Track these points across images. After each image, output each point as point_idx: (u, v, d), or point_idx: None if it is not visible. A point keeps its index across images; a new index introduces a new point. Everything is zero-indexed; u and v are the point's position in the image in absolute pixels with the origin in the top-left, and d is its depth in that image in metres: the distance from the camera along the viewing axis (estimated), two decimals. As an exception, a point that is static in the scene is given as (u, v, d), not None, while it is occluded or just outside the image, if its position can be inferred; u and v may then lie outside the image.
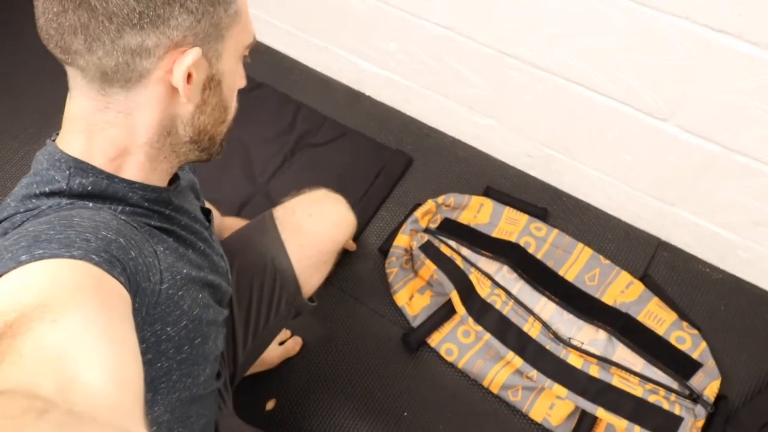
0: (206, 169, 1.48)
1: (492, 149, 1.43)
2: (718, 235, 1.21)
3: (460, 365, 1.20)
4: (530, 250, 1.30)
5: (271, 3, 1.49)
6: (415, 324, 1.25)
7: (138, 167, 0.59)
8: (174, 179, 0.68)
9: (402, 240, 1.31)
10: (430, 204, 1.34)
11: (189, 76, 0.55)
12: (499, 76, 1.22)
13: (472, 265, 1.28)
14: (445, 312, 1.24)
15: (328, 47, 1.50)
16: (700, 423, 1.08)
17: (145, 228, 0.58)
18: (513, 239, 1.31)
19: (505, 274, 1.28)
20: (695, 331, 1.18)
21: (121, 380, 0.36)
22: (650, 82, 1.01)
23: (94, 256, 0.44)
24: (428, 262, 1.25)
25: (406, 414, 1.17)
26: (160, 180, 0.63)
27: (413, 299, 1.28)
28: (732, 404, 1.12)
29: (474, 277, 1.25)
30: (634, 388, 1.11)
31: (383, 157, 1.45)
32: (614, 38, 0.99)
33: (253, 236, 0.96)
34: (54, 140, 0.59)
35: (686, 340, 1.17)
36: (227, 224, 1.12)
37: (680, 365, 1.14)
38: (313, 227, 0.97)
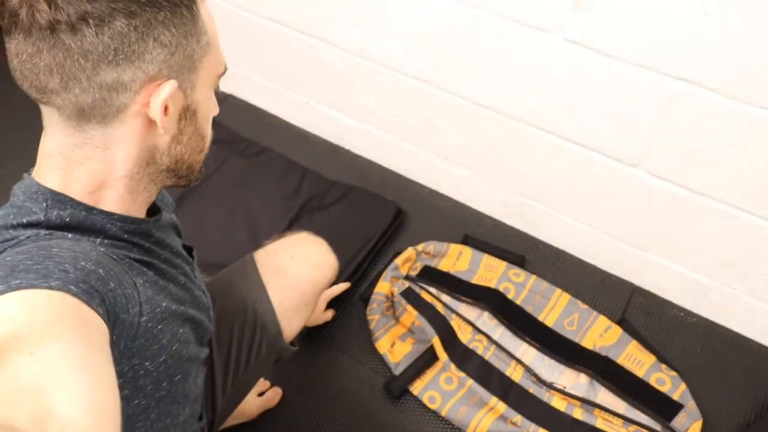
0: (210, 232, 1.46)
1: (468, 199, 1.47)
2: (689, 278, 1.25)
3: (443, 413, 1.19)
4: (510, 296, 1.32)
5: (251, 60, 1.55)
6: (397, 372, 1.24)
7: (117, 199, 0.59)
8: (155, 211, 0.68)
9: (383, 287, 1.31)
10: (410, 252, 1.36)
11: (166, 108, 0.56)
12: (474, 127, 1.27)
13: (453, 311, 1.28)
14: (427, 359, 1.23)
15: (309, 102, 1.55)
16: (685, 465, 1.08)
17: (125, 260, 0.58)
18: (492, 285, 1.33)
19: (485, 320, 1.28)
20: (674, 373, 1.19)
21: (98, 412, 0.36)
22: (619, 129, 1.07)
23: (72, 287, 0.44)
24: (410, 308, 1.26)
25: (388, 465, 1.14)
26: (139, 211, 0.63)
27: (395, 346, 1.27)
28: (715, 446, 1.13)
29: (455, 323, 1.26)
30: (618, 430, 1.11)
31: (383, 211, 1.46)
32: (584, 88, 1.05)
33: (234, 279, 0.96)
34: (30, 174, 0.59)
35: (666, 381, 1.18)
36: None
37: (662, 406, 1.15)
38: (294, 269, 0.96)
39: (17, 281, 0.43)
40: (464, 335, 1.24)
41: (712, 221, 1.11)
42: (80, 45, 0.50)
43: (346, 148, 1.59)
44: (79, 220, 0.57)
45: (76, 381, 0.37)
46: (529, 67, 1.09)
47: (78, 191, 0.57)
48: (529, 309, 1.31)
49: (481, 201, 1.45)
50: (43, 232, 0.54)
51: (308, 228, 1.40)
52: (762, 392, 1.20)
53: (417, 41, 1.19)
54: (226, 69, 0.64)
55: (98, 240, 0.57)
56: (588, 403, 1.14)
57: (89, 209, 0.57)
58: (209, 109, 0.63)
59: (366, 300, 1.32)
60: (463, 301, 1.31)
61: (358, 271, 1.37)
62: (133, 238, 0.61)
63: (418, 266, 1.37)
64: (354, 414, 1.19)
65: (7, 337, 0.38)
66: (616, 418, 1.13)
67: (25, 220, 0.55)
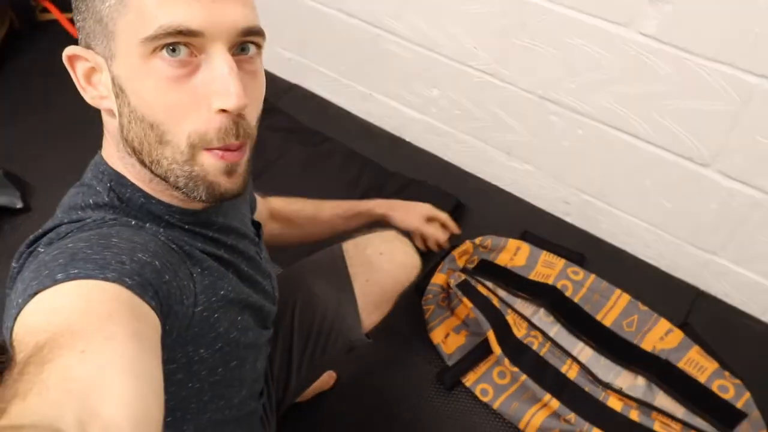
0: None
1: (529, 195, 1.46)
2: (759, 284, 1.20)
3: (495, 406, 1.19)
4: (567, 294, 1.30)
5: (317, 50, 1.58)
6: (450, 362, 1.24)
7: (167, 193, 0.58)
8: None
9: (439, 278, 1.32)
10: (467, 245, 1.36)
11: (87, 77, 0.54)
12: (539, 122, 1.26)
13: (509, 306, 1.28)
14: (481, 352, 1.23)
15: (372, 94, 1.57)
16: (746, 476, 1.05)
17: (185, 248, 0.58)
18: (550, 282, 1.31)
19: (541, 316, 1.27)
20: (738, 381, 1.15)
21: (141, 418, 0.36)
22: (692, 127, 1.04)
23: (127, 279, 0.44)
24: (465, 300, 1.26)
25: (437, 455, 1.15)
26: (198, 204, 0.60)
27: (449, 337, 1.28)
28: (778, 459, 1.09)
29: (510, 318, 1.25)
30: (676, 435, 1.08)
31: (442, 204, 1.46)
32: (656, 84, 1.03)
33: (322, 267, 0.98)
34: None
35: (729, 389, 1.15)
36: (275, 205, 1.09)
37: (723, 414, 1.11)
38: (382, 265, 0.97)
39: (75, 270, 0.44)
40: (519, 331, 1.24)
41: (788, 226, 1.07)
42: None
43: (407, 140, 1.60)
44: (138, 206, 0.57)
45: (124, 385, 0.37)
46: (599, 61, 1.07)
47: (136, 177, 0.58)
48: (586, 308, 1.29)
49: (542, 197, 1.43)
50: (109, 216, 0.55)
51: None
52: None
53: (485, 33, 1.19)
54: (162, 29, 0.48)
55: (161, 227, 0.57)
56: (645, 405, 1.12)
57: (148, 197, 0.58)
58: (141, 86, 0.50)
59: (422, 290, 1.33)
60: (519, 296, 1.30)
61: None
62: (195, 228, 0.61)
63: (475, 260, 1.37)
64: (405, 402, 1.20)
65: (60, 328, 0.39)
66: (674, 422, 1.10)
67: (91, 201, 0.57)
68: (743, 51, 0.91)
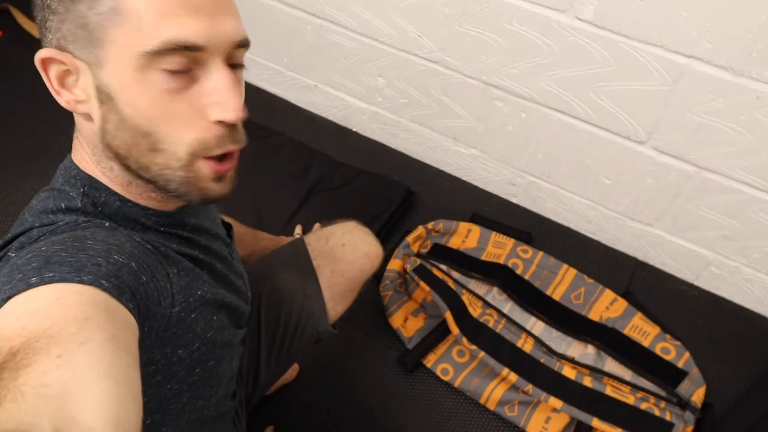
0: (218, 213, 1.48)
1: (476, 179, 1.50)
2: (692, 252, 1.29)
3: (456, 384, 1.22)
4: (518, 272, 1.36)
5: (260, 44, 1.56)
6: (410, 346, 1.27)
7: (146, 195, 0.58)
8: None
9: (395, 264, 1.35)
10: (420, 230, 1.39)
11: (60, 80, 0.52)
12: (484, 107, 1.30)
13: (464, 287, 1.32)
14: (440, 333, 1.27)
15: (317, 85, 1.57)
16: (690, 429, 1.13)
17: (161, 249, 0.57)
18: (501, 261, 1.36)
19: (495, 295, 1.32)
20: (678, 342, 1.24)
21: (119, 422, 0.36)
22: (628, 107, 1.10)
23: (103, 281, 0.44)
24: (422, 284, 1.29)
25: (406, 433, 1.17)
26: (172, 206, 0.61)
27: (408, 321, 1.31)
28: (717, 411, 1.18)
29: (466, 298, 1.29)
30: (626, 396, 1.15)
31: (393, 193, 1.48)
32: (594, 67, 1.08)
33: (286, 261, 0.98)
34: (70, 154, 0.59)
35: (671, 350, 1.23)
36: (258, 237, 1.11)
37: (667, 374, 1.20)
38: (345, 256, 0.98)
39: (50, 274, 0.43)
40: (475, 310, 1.28)
41: (717, 196, 1.15)
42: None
43: (355, 130, 1.61)
44: (113, 210, 0.57)
45: (101, 389, 0.37)
46: (540, 47, 1.11)
47: (113, 180, 0.57)
48: (537, 284, 1.35)
49: (489, 180, 1.48)
50: (81, 219, 0.54)
51: (319, 209, 1.44)
52: (761, 360, 1.25)
53: (429, 22, 1.21)
54: (168, 44, 0.48)
55: (135, 229, 0.57)
56: (597, 372, 1.19)
57: (123, 201, 0.57)
58: (136, 97, 0.50)
59: (378, 277, 1.35)
60: (473, 277, 1.35)
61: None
62: (170, 230, 0.61)
63: (428, 244, 1.41)
64: (369, 387, 1.23)
65: (36, 332, 0.38)
66: (624, 385, 1.17)
67: (63, 205, 0.56)
68: (673, 33, 0.97)
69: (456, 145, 1.44)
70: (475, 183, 1.51)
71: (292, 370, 1.22)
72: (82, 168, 0.57)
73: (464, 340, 1.24)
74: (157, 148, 0.52)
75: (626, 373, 1.20)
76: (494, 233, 1.41)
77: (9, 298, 0.42)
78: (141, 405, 0.40)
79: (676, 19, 0.95)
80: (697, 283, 1.35)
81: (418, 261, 1.34)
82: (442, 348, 1.27)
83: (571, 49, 1.08)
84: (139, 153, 0.53)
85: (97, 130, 0.54)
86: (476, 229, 1.41)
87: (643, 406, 1.14)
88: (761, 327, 1.31)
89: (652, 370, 1.20)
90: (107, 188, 0.57)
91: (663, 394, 1.17)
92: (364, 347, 1.28)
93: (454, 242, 1.41)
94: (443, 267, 1.35)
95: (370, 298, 1.34)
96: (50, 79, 0.53)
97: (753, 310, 1.32)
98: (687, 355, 1.22)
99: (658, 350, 1.23)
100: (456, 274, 1.35)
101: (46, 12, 0.51)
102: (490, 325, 1.26)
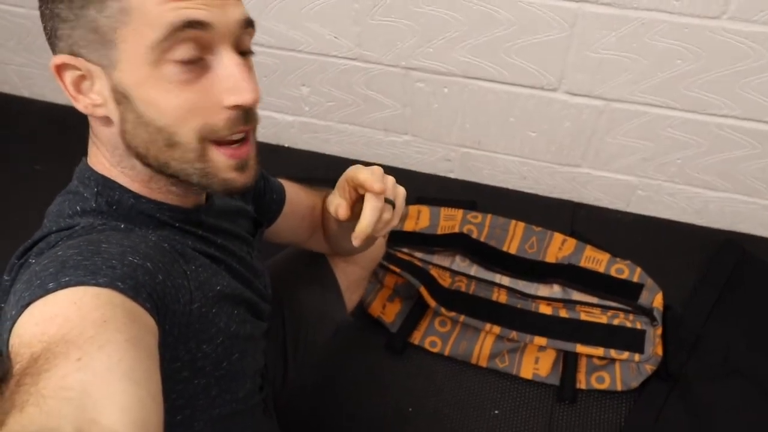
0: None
1: (413, 164, 1.58)
2: (619, 181, 1.43)
3: (446, 353, 1.28)
4: (474, 236, 1.44)
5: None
6: (394, 330, 1.32)
7: (164, 190, 0.59)
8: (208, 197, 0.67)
9: (360, 256, 1.39)
10: (374, 220, 1.45)
11: (77, 85, 0.53)
12: (408, 92, 1.39)
13: (429, 263, 1.39)
14: (419, 310, 1.32)
15: (240, 110, 1.60)
16: (659, 331, 1.24)
17: (177, 247, 0.58)
18: (456, 231, 1.44)
19: (458, 262, 1.40)
20: (628, 261, 1.36)
21: (140, 423, 0.36)
22: (536, 59, 1.23)
23: (119, 283, 0.45)
24: (392, 267, 1.34)
25: (410, 410, 1.21)
26: (192, 201, 0.62)
27: (386, 308, 1.35)
28: (676, 310, 1.30)
29: (434, 272, 1.36)
30: (600, 317, 1.25)
31: None
32: (499, 29, 1.19)
33: (300, 256, 1.00)
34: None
35: (624, 270, 1.35)
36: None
37: (627, 291, 1.31)
38: None
39: (66, 278, 0.44)
40: (445, 281, 1.35)
41: (627, 122, 1.29)
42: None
43: (286, 145, 1.65)
44: (127, 208, 0.58)
45: (121, 391, 0.37)
46: (449, 22, 1.22)
47: (133, 178, 0.58)
48: (492, 243, 1.43)
49: (425, 162, 1.56)
50: (97, 222, 0.55)
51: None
52: (697, 259, 1.40)
53: (342, 21, 1.29)
54: (174, 28, 0.49)
55: (150, 228, 0.58)
56: (569, 302, 1.29)
57: (137, 197, 0.58)
58: (151, 92, 0.51)
59: (347, 273, 1.39)
60: (435, 252, 1.41)
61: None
62: (185, 226, 0.61)
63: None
64: (365, 376, 1.25)
65: (55, 337, 0.39)
66: (594, 308, 1.28)
67: (78, 207, 0.57)
68: (560, -16, 1.10)
69: (388, 135, 1.52)
70: (413, 168, 1.59)
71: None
72: (97, 170, 0.58)
73: (442, 309, 1.30)
74: (172, 142, 0.53)
75: (592, 299, 1.31)
76: (442, 208, 1.49)
77: (28, 304, 0.43)
78: (162, 405, 0.40)
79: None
80: (629, 209, 1.49)
81: (381, 248, 1.39)
82: (424, 323, 1.32)
83: (477, 18, 1.19)
84: (158, 150, 0.54)
85: (117, 132, 0.55)
86: (425, 209, 1.49)
87: (616, 322, 1.25)
88: (690, 232, 1.46)
89: (613, 290, 1.32)
90: (121, 186, 0.58)
91: (629, 308, 1.28)
92: (351, 342, 1.31)
93: (409, 226, 1.47)
94: (405, 250, 1.41)
95: (344, 294, 1.37)
96: (66, 85, 0.54)
97: (681, 221, 1.47)
98: (638, 270, 1.35)
99: (613, 272, 1.35)
100: (419, 254, 1.41)
101: (56, 21, 0.52)
102: (463, 289, 1.33)
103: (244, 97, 0.53)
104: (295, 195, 0.90)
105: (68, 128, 1.70)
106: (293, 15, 1.30)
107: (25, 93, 1.80)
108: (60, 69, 0.53)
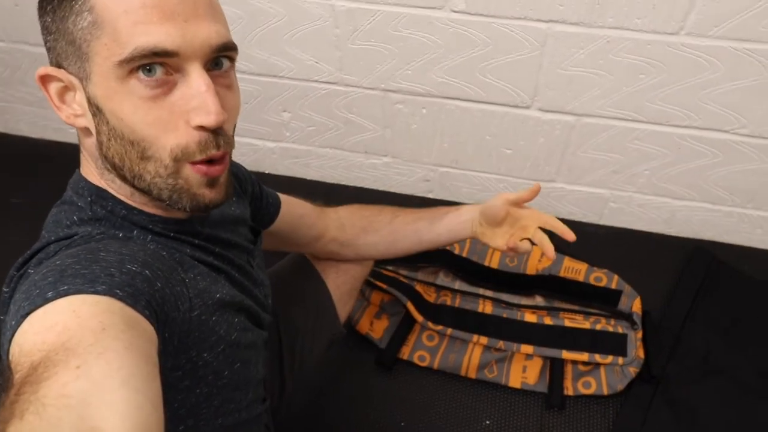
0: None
1: (393, 186, 1.62)
2: (591, 194, 1.49)
3: (435, 366, 1.29)
4: (456, 252, 1.47)
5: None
6: (382, 346, 1.33)
7: (153, 203, 0.60)
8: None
9: (346, 275, 1.41)
10: (358, 240, 1.47)
11: (60, 95, 0.55)
12: (387, 113, 1.44)
13: (413, 279, 1.41)
14: (406, 325, 1.34)
15: (221, 138, 1.62)
16: (640, 334, 1.29)
17: (175, 255, 0.59)
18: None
19: (442, 277, 1.42)
20: (605, 270, 1.41)
21: (141, 430, 0.37)
22: (510, 78, 1.29)
23: (117, 291, 0.45)
24: (378, 284, 1.36)
25: (403, 424, 1.21)
26: (181, 213, 0.62)
27: (373, 325, 1.36)
28: (654, 315, 1.35)
29: (419, 288, 1.38)
30: (583, 323, 1.29)
31: None
32: (475, 50, 1.26)
33: (293, 269, 1.01)
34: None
35: (602, 278, 1.40)
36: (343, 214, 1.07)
37: (606, 297, 1.36)
38: None
39: (65, 287, 0.44)
40: (430, 296, 1.37)
41: (597, 136, 1.36)
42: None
43: (267, 172, 1.67)
44: (121, 218, 0.59)
45: (121, 398, 0.37)
46: (426, 44, 1.27)
47: (117, 191, 0.59)
48: (474, 258, 1.47)
49: (405, 183, 1.60)
50: (96, 231, 0.57)
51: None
52: (670, 266, 1.46)
53: (322, 47, 1.34)
54: (135, 52, 0.49)
55: (148, 237, 0.59)
56: (553, 309, 1.32)
57: (129, 209, 0.59)
58: (119, 107, 0.52)
59: (334, 292, 1.40)
60: (419, 268, 1.44)
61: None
62: (180, 236, 0.62)
63: (369, 252, 1.48)
64: (356, 392, 1.26)
65: (55, 347, 0.39)
66: (577, 315, 1.31)
67: (75, 217, 0.58)
68: (531, 4, 1.16)
69: (368, 158, 1.56)
70: (393, 190, 1.63)
71: None
72: (89, 180, 0.60)
73: (429, 324, 1.32)
74: (145, 156, 0.54)
75: (575, 307, 1.35)
76: (424, 226, 1.52)
77: (28, 314, 0.44)
78: (162, 412, 0.40)
79: (530, -7, 1.16)
80: (602, 222, 1.55)
81: (367, 266, 1.41)
82: (412, 338, 1.34)
83: (453, 40, 1.25)
84: (132, 162, 0.54)
85: (95, 143, 0.56)
86: (407, 228, 1.52)
87: (598, 327, 1.29)
88: (661, 242, 1.53)
89: (593, 298, 1.36)
90: (113, 197, 0.59)
91: (610, 313, 1.32)
92: (341, 360, 1.31)
93: (391, 244, 1.50)
94: (390, 267, 1.44)
95: (331, 314, 1.38)
96: (50, 95, 0.56)
97: (652, 231, 1.53)
98: (616, 277, 1.40)
99: (592, 281, 1.39)
100: (403, 271, 1.44)
101: (45, 33, 0.55)
102: (448, 303, 1.35)
103: (205, 119, 0.52)
104: (289, 198, 0.96)
105: (45, 161, 1.69)
106: (275, 42, 1.34)
107: (0, 127, 1.79)
108: (44, 80, 0.55)
